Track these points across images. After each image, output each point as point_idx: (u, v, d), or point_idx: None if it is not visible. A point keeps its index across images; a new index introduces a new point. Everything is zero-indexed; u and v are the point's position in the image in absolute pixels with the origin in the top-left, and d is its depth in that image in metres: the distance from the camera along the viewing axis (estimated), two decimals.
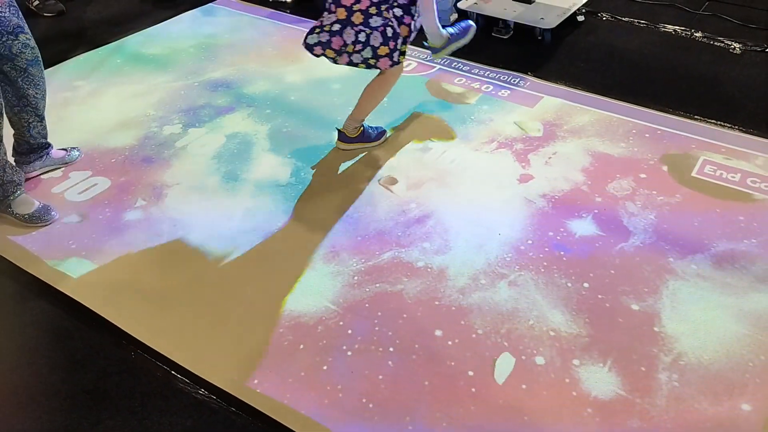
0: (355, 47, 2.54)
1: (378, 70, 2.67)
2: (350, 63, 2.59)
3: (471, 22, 2.93)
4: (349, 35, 2.52)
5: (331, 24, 2.53)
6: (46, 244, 2.37)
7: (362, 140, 2.85)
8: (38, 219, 2.44)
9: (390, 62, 2.57)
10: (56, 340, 2.05)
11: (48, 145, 2.69)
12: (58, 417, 1.82)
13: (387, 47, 2.53)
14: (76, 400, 1.86)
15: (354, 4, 2.48)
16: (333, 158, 2.80)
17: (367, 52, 2.54)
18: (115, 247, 2.36)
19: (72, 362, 1.97)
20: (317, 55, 2.61)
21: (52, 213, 2.47)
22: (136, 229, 2.44)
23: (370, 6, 2.47)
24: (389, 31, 2.51)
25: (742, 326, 2.02)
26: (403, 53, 2.59)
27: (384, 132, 2.91)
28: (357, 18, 2.49)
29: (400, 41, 2.54)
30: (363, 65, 2.58)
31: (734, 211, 2.47)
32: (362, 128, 2.83)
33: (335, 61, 2.60)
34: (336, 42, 2.54)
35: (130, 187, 2.64)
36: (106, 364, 1.96)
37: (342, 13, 2.51)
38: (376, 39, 2.51)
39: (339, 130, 2.84)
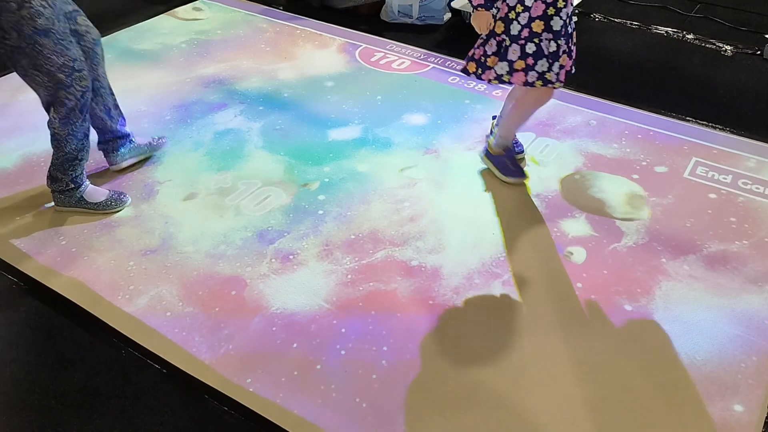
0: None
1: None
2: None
3: (525, 176, 2.62)
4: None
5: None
6: (35, 241, 2.35)
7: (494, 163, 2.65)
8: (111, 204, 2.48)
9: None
10: (46, 338, 2.03)
11: None
12: (48, 416, 1.80)
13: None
14: (66, 399, 1.84)
15: None
16: (324, 156, 2.78)
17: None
18: (106, 243, 2.34)
19: (62, 361, 1.95)
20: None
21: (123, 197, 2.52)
22: (128, 226, 2.42)
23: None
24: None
25: (734, 327, 2.03)
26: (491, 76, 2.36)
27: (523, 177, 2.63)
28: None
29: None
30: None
31: (726, 212, 2.48)
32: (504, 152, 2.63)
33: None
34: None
35: (122, 185, 2.61)
36: (97, 362, 1.94)
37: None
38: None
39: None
